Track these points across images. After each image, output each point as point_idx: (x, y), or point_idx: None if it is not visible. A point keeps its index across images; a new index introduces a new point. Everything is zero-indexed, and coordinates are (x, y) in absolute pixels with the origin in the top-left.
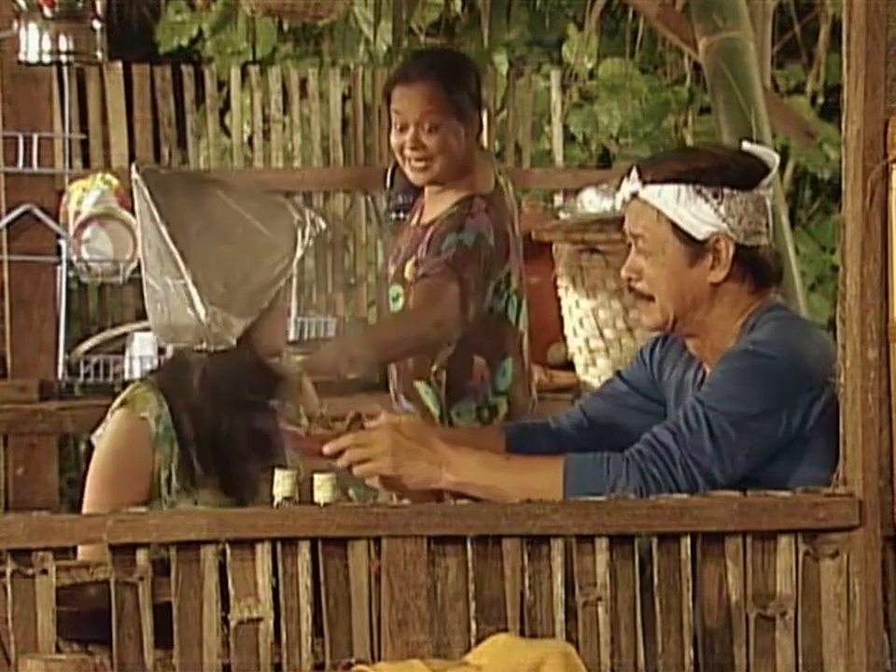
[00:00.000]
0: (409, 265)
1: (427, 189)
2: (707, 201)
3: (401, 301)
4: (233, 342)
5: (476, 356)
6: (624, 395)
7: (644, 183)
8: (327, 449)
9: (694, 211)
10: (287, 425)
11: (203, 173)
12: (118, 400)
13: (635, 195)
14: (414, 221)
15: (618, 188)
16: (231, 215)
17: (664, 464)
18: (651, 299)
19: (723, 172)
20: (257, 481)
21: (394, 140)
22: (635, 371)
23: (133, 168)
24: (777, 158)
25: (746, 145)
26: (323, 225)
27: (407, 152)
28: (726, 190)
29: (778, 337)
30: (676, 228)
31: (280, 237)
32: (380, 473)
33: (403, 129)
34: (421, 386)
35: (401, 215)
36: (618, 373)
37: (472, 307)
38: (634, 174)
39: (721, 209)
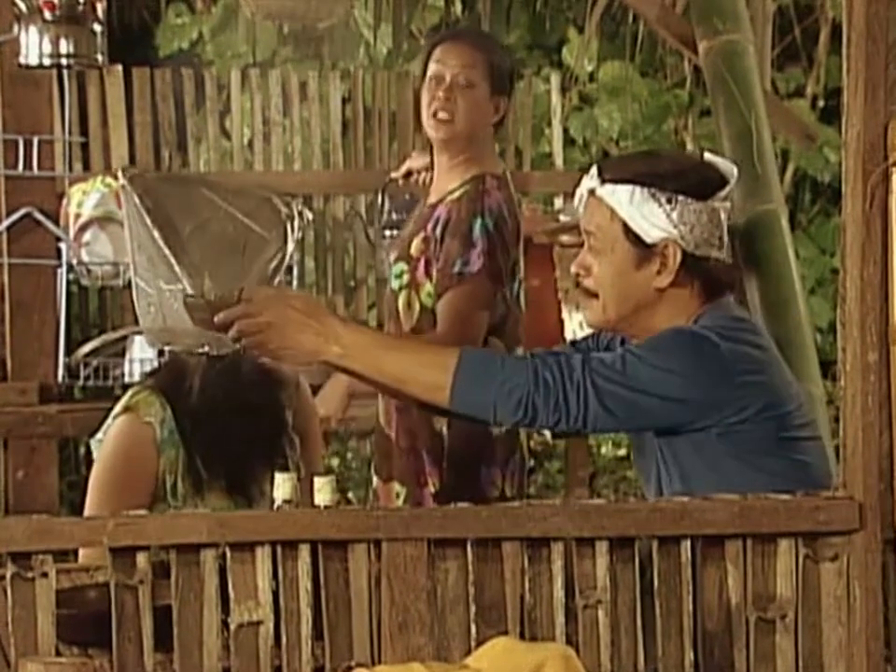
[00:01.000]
0: (416, 241)
1: (436, 167)
2: (660, 205)
3: (405, 277)
4: (237, 345)
5: (491, 337)
6: None
7: (603, 181)
8: (216, 319)
9: (646, 213)
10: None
11: (189, 173)
12: (119, 405)
13: (592, 192)
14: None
15: (577, 185)
16: (221, 214)
17: (560, 376)
18: (595, 296)
19: (680, 178)
20: (263, 482)
21: (425, 96)
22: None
23: (120, 173)
24: (736, 171)
25: (707, 155)
26: (310, 216)
27: (435, 105)
28: (680, 197)
29: (719, 325)
30: (627, 228)
31: (271, 232)
32: (268, 344)
33: (439, 82)
34: None
35: (395, 232)
36: (572, 343)
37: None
38: (594, 170)
39: (674, 215)
